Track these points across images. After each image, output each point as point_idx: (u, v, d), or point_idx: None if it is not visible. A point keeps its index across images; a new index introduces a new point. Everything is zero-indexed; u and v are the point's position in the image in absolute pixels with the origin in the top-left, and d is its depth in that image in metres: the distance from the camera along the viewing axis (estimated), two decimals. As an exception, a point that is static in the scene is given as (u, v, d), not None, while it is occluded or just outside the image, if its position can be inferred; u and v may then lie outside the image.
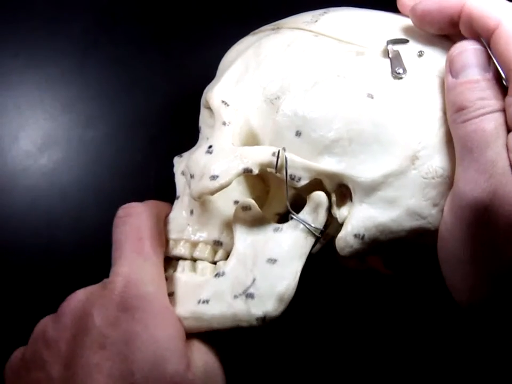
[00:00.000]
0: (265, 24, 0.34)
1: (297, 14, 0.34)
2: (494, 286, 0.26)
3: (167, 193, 0.35)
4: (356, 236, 0.28)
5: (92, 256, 0.31)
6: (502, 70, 0.26)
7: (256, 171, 0.28)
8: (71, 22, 0.46)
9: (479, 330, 0.29)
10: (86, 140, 0.43)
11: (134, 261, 0.29)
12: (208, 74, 0.35)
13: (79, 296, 0.30)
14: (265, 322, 0.28)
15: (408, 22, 0.31)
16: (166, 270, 0.31)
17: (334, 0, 0.35)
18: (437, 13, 0.28)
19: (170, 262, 0.32)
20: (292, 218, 0.29)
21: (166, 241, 0.32)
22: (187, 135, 0.36)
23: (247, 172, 0.28)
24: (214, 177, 0.28)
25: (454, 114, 0.27)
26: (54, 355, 0.28)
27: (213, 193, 0.28)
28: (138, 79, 0.45)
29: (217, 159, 0.29)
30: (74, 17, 0.46)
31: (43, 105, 0.44)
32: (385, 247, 0.29)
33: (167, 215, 0.33)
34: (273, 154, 0.28)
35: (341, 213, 0.29)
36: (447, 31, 0.29)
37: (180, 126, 0.43)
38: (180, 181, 0.34)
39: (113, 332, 0.27)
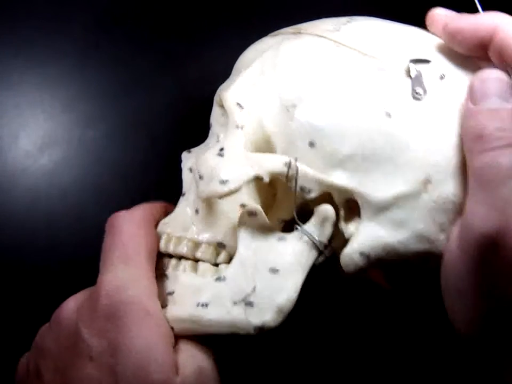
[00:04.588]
0: (267, 25, 0.34)
1: (319, 19, 0.33)
2: (491, 322, 0.26)
3: (168, 193, 0.35)
4: (361, 254, 0.28)
5: (92, 256, 0.31)
6: None
7: (267, 179, 0.28)
8: (71, 22, 0.46)
9: (474, 357, 0.29)
10: (86, 139, 0.43)
11: (116, 267, 0.29)
12: (209, 74, 0.36)
13: (70, 306, 0.30)
14: (262, 332, 0.27)
15: (432, 40, 0.30)
16: (166, 268, 0.31)
17: (335, 7, 0.35)
18: (469, 34, 0.28)
19: (169, 259, 0.32)
20: (297, 228, 0.29)
21: (158, 240, 0.32)
22: (188, 135, 0.36)
23: (257, 179, 0.28)
24: (223, 182, 0.28)
25: (470, 142, 0.26)
26: (49, 365, 0.29)
27: (221, 197, 0.28)
28: (138, 79, 0.44)
29: (228, 163, 0.28)
30: (74, 17, 0.46)
31: (43, 105, 0.44)
32: (389, 265, 0.28)
33: (162, 215, 0.33)
34: (285, 164, 0.28)
35: (348, 228, 0.29)
36: (476, 53, 0.29)
37: (181, 126, 0.43)
38: (186, 177, 0.34)
39: (99, 343, 0.27)
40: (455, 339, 0.28)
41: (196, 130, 0.35)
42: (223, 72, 0.35)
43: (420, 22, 0.32)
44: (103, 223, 0.32)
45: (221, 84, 0.35)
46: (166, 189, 0.35)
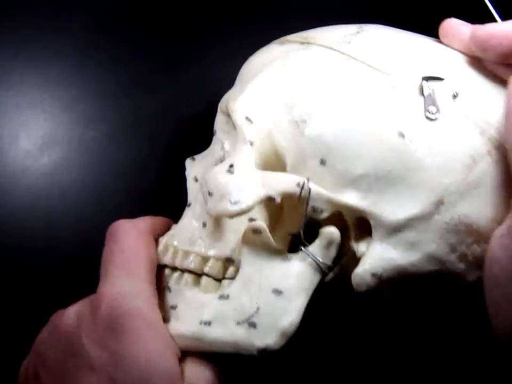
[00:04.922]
0: (268, 27, 0.34)
1: (327, 26, 0.33)
2: None
3: (167, 194, 0.35)
4: (373, 274, 0.27)
5: (92, 256, 0.31)
6: None
7: (278, 200, 0.27)
8: (71, 22, 0.46)
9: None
10: (86, 139, 0.43)
11: (116, 277, 0.29)
12: (209, 74, 0.35)
13: (70, 314, 0.30)
14: (264, 354, 0.27)
15: (445, 51, 0.30)
16: (169, 280, 0.31)
17: (335, 9, 0.34)
18: (503, 39, 0.27)
19: (171, 272, 0.31)
20: (301, 249, 0.28)
21: (158, 250, 0.32)
22: (187, 135, 0.36)
23: (269, 199, 0.27)
24: (234, 202, 0.27)
25: None
26: (48, 373, 0.29)
27: (232, 217, 0.27)
28: (138, 79, 0.45)
29: (239, 182, 0.27)
30: (74, 17, 0.46)
31: (43, 105, 0.44)
32: (399, 284, 0.28)
33: (163, 231, 0.33)
34: (298, 185, 0.27)
35: (359, 247, 0.28)
36: (508, 59, 0.28)
37: (180, 126, 0.43)
38: (192, 186, 0.33)
39: (100, 354, 0.27)
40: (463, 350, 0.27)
41: (196, 131, 0.35)
42: (223, 73, 0.35)
43: (419, 26, 0.32)
44: (103, 223, 0.32)
45: (221, 84, 0.35)
46: (165, 189, 0.35)
